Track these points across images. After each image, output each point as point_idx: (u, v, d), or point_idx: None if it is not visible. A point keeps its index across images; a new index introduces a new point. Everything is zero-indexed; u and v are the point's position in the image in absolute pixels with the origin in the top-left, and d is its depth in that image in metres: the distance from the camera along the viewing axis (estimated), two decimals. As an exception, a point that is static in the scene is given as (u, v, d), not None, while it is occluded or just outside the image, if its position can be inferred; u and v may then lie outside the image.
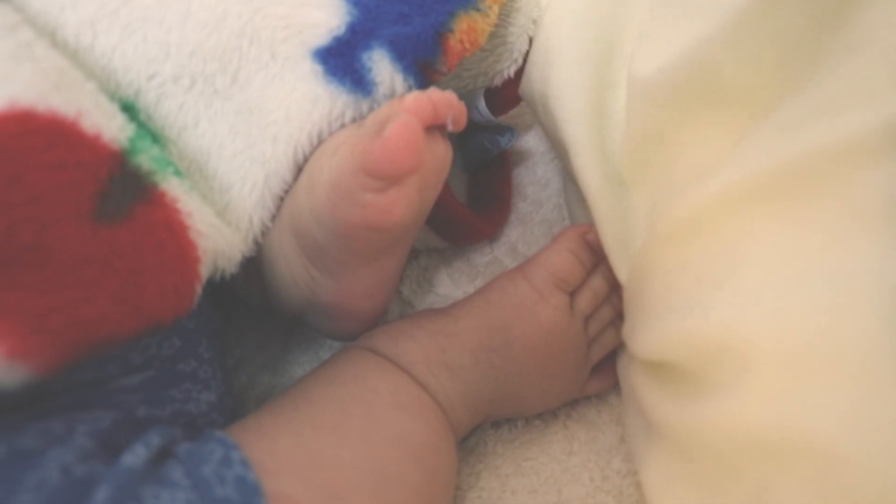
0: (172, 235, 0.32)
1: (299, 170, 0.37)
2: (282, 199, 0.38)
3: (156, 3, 0.36)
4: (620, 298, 0.40)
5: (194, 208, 0.33)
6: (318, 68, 0.37)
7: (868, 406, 0.24)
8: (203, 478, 0.29)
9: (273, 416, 0.35)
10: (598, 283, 0.43)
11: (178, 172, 0.34)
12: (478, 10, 0.40)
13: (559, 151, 0.44)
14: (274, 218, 0.38)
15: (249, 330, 0.50)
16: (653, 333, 0.34)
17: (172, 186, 0.33)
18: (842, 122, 0.26)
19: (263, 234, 0.38)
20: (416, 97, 0.33)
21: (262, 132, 0.37)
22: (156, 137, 0.35)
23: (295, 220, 0.37)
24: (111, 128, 0.32)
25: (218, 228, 0.35)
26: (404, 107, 0.32)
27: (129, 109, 0.35)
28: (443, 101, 0.33)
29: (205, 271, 0.34)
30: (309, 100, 0.37)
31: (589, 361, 0.43)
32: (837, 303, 0.25)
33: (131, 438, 0.30)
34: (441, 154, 0.35)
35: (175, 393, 0.36)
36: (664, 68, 0.35)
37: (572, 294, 0.42)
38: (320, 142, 0.37)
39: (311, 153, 0.37)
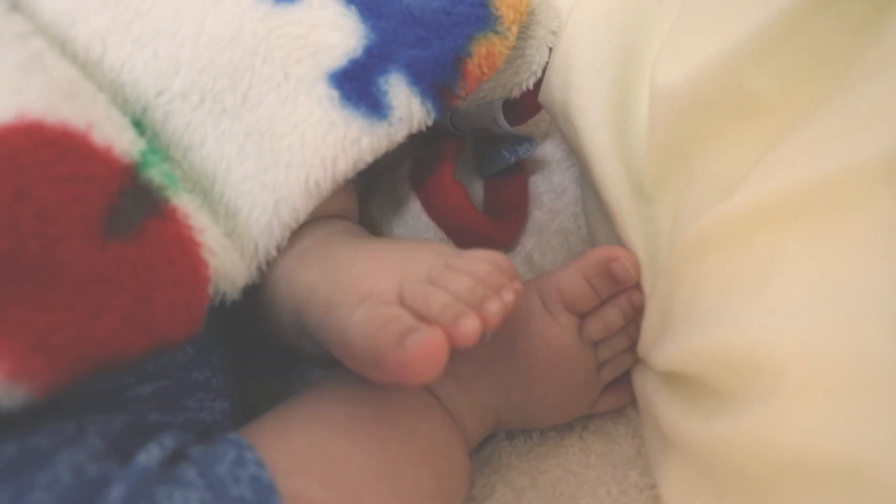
0: (184, 252, 0.32)
1: (311, 197, 0.36)
2: (291, 229, 0.36)
3: (170, 16, 0.36)
4: (637, 328, 0.40)
5: (206, 225, 0.33)
6: (334, 94, 0.37)
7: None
8: (217, 478, 0.29)
9: (285, 418, 0.35)
10: (611, 313, 0.40)
11: (188, 189, 0.34)
12: (496, 32, 0.40)
13: (579, 160, 0.44)
14: (280, 247, 0.36)
15: (261, 339, 0.49)
16: (676, 346, 0.33)
17: (184, 202, 0.33)
18: (873, 139, 0.26)
19: (268, 263, 0.36)
20: (471, 326, 0.29)
21: (276, 157, 0.36)
22: (164, 156, 0.35)
23: (298, 305, 0.36)
24: (122, 140, 0.32)
25: (227, 249, 0.34)
26: (456, 332, 0.29)
27: (137, 126, 0.34)
28: (498, 313, 0.31)
29: (213, 291, 0.33)
30: (324, 126, 0.36)
31: (600, 381, 0.42)
32: (872, 320, 0.25)
33: (142, 442, 0.30)
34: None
35: (189, 402, 0.35)
36: (689, 79, 0.35)
37: (583, 317, 0.41)
38: (334, 168, 0.36)
39: (324, 179, 0.36)
